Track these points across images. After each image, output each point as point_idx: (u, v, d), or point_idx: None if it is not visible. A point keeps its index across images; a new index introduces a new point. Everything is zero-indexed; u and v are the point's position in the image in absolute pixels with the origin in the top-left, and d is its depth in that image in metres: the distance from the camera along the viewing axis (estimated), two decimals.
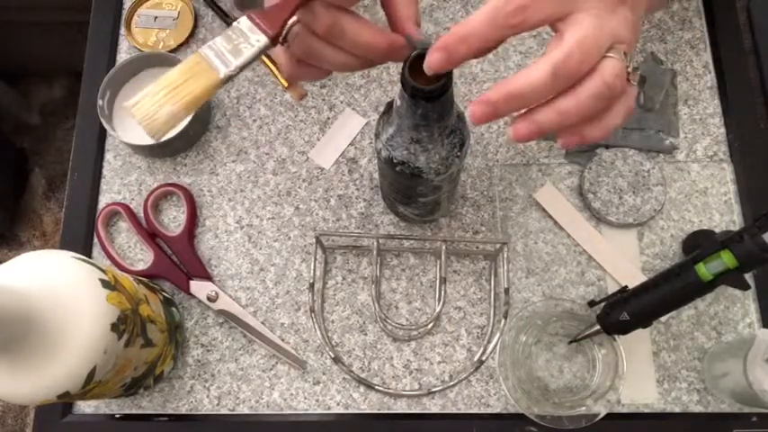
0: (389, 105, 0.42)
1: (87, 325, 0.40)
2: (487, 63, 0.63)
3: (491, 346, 0.55)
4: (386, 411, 0.54)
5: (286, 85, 0.63)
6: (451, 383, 0.54)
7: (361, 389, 0.55)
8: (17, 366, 0.38)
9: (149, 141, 0.58)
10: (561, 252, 0.57)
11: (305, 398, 0.55)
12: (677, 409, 0.53)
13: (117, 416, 0.55)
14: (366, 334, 0.56)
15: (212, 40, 0.35)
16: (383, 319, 0.56)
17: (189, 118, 0.58)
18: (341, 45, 0.36)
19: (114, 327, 0.42)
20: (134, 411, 0.55)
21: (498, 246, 0.55)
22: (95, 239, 0.59)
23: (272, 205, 0.60)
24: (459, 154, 0.44)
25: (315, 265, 0.56)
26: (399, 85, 0.36)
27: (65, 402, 0.51)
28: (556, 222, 0.58)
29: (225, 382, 0.55)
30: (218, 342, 0.56)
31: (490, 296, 0.56)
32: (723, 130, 0.61)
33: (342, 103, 0.63)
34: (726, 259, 0.42)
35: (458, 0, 0.66)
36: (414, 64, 0.35)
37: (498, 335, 0.55)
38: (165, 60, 0.62)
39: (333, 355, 0.55)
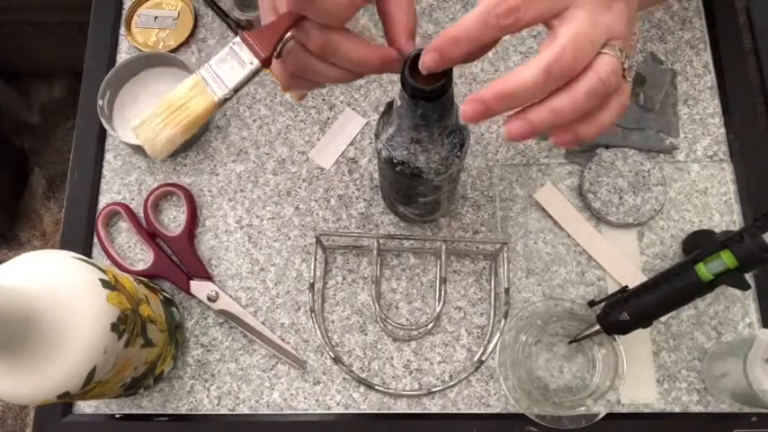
0: (389, 105, 0.42)
1: (87, 325, 0.40)
2: (487, 63, 0.63)
3: (491, 346, 0.55)
4: (386, 411, 0.54)
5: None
6: (451, 383, 0.54)
7: (362, 389, 0.55)
8: (17, 366, 0.38)
9: None
10: (561, 252, 0.57)
11: (305, 398, 0.55)
12: (677, 409, 0.53)
13: (117, 416, 0.55)
14: (366, 334, 0.56)
15: (209, 60, 0.35)
16: (383, 319, 0.56)
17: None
18: (334, 62, 0.36)
19: (114, 327, 0.42)
20: (134, 411, 0.55)
21: (498, 246, 0.55)
22: (95, 239, 0.59)
23: (273, 205, 0.60)
24: (459, 154, 0.44)
25: (315, 265, 0.56)
26: (399, 85, 0.36)
27: (65, 402, 0.50)
28: (556, 222, 0.58)
29: (225, 382, 0.55)
30: (218, 342, 0.56)
31: (490, 296, 0.56)
32: (723, 130, 0.61)
33: (342, 103, 0.63)
34: (726, 259, 0.42)
35: (458, 0, 0.66)
36: (414, 64, 0.35)
37: (498, 335, 0.55)
38: (165, 60, 0.62)
39: (333, 355, 0.55)
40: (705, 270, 0.43)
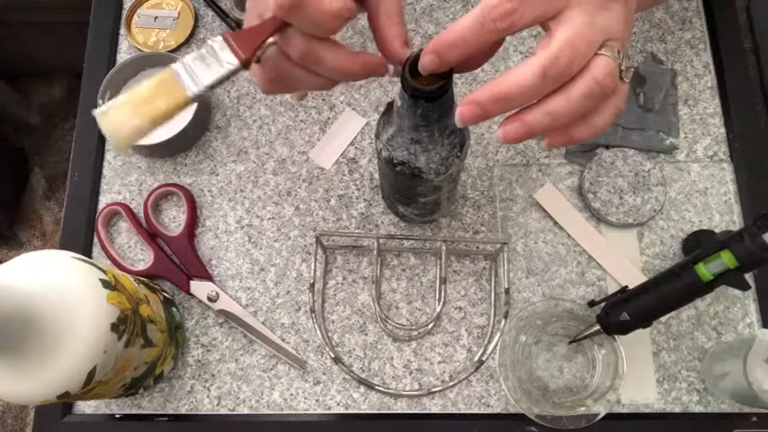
0: (390, 106, 0.42)
1: (87, 325, 0.40)
2: (488, 63, 0.63)
3: (491, 346, 0.55)
4: (386, 411, 0.54)
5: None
6: (452, 383, 0.54)
7: (362, 389, 0.55)
8: (17, 366, 0.38)
9: (149, 141, 0.58)
10: (561, 252, 0.57)
11: (305, 398, 0.55)
12: (677, 409, 0.53)
13: (117, 416, 0.55)
14: (366, 334, 0.56)
15: (186, 56, 0.35)
16: (383, 319, 0.56)
17: (189, 119, 0.58)
18: (315, 70, 0.36)
19: (114, 327, 0.42)
20: (134, 411, 0.55)
21: (498, 246, 0.55)
22: (95, 239, 0.59)
23: (273, 205, 0.60)
24: (459, 154, 0.44)
25: (315, 266, 0.56)
26: (399, 85, 0.36)
27: (65, 402, 0.50)
28: (556, 222, 0.58)
29: (225, 382, 0.55)
30: (218, 342, 0.56)
31: (490, 296, 0.56)
32: (723, 130, 0.61)
33: (342, 103, 0.63)
34: (726, 259, 0.42)
35: (458, 0, 0.66)
36: (414, 65, 0.35)
37: (498, 335, 0.55)
38: (165, 60, 0.62)
39: (333, 356, 0.55)
40: (705, 270, 0.43)
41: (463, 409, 0.54)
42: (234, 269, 0.58)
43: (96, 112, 0.34)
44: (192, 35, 0.65)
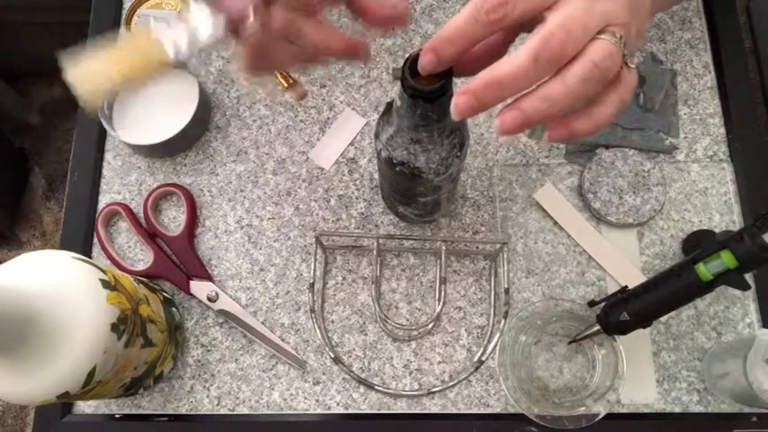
0: (389, 105, 0.42)
1: (87, 325, 0.40)
2: None
3: (491, 346, 0.55)
4: (386, 411, 0.54)
5: (286, 85, 0.63)
6: (451, 383, 0.54)
7: (361, 389, 0.55)
8: (17, 366, 0.38)
9: (149, 141, 0.58)
10: (561, 252, 0.57)
11: (305, 398, 0.55)
12: (677, 409, 0.53)
13: (117, 416, 0.55)
14: (366, 334, 0.56)
15: (169, 21, 0.34)
16: (383, 319, 0.56)
17: (189, 119, 0.58)
18: (296, 43, 0.36)
19: (114, 327, 0.42)
20: (134, 411, 0.55)
21: (498, 246, 0.55)
22: (95, 239, 0.59)
23: (272, 205, 0.60)
24: (459, 154, 0.44)
25: (315, 266, 0.56)
26: (399, 85, 0.36)
27: (65, 402, 0.50)
28: (556, 222, 0.58)
29: (225, 382, 0.55)
30: (218, 342, 0.56)
31: (490, 296, 0.56)
32: (723, 130, 0.61)
33: (342, 103, 0.63)
34: (726, 259, 0.42)
35: (458, 0, 0.66)
36: (413, 64, 0.35)
37: (498, 335, 0.55)
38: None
39: (333, 356, 0.55)
40: (705, 270, 0.43)
41: (463, 409, 0.54)
42: (234, 269, 0.58)
43: (68, 65, 0.33)
44: None
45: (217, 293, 0.57)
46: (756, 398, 0.46)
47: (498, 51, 0.35)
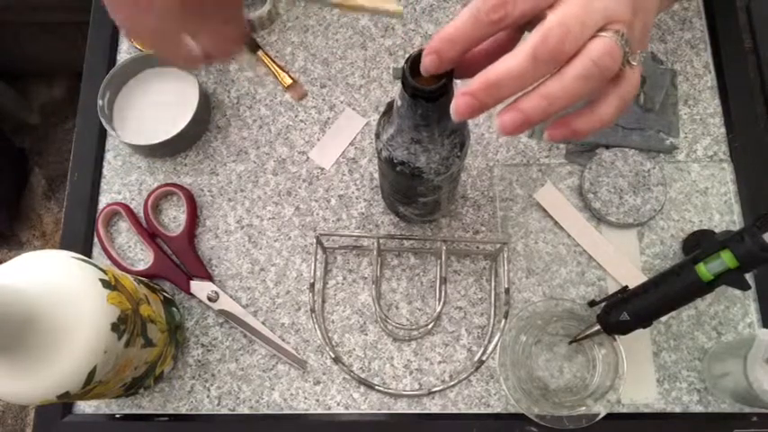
0: (390, 105, 0.42)
1: (87, 325, 0.40)
2: None
3: (491, 346, 0.55)
4: (386, 411, 0.54)
5: (286, 85, 0.63)
6: (452, 383, 0.54)
7: (362, 389, 0.55)
8: (17, 366, 0.38)
9: (149, 141, 0.58)
10: (561, 252, 0.57)
11: (305, 398, 0.55)
12: (677, 409, 0.53)
13: (117, 416, 0.55)
14: (366, 334, 0.56)
15: None
16: (383, 319, 0.56)
17: (189, 119, 0.58)
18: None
19: (114, 327, 0.42)
20: (134, 411, 0.55)
21: (498, 246, 0.55)
22: (95, 239, 0.59)
23: (273, 205, 0.60)
24: (459, 154, 0.44)
25: (315, 266, 0.56)
26: (400, 85, 0.36)
27: (65, 402, 0.50)
28: (556, 222, 0.58)
29: (225, 382, 0.55)
30: (218, 342, 0.56)
31: (490, 296, 0.56)
32: (723, 130, 0.61)
33: (342, 103, 0.63)
34: (726, 259, 0.42)
35: (458, 0, 0.66)
36: (414, 64, 0.35)
37: (498, 335, 0.55)
38: (164, 60, 0.62)
39: (333, 355, 0.55)
40: (705, 270, 0.43)
41: (463, 409, 0.54)
42: (234, 269, 0.58)
43: None
44: None
45: (217, 293, 0.57)
46: (756, 398, 0.46)
47: (503, 51, 0.35)
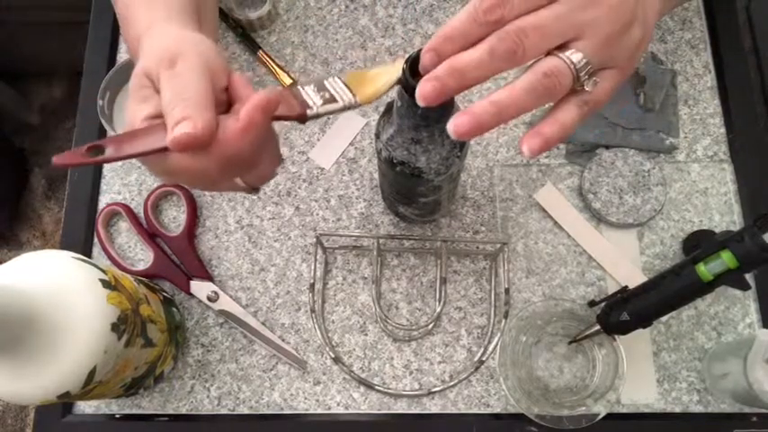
0: (390, 106, 0.42)
1: (87, 325, 0.40)
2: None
3: (491, 346, 0.55)
4: (386, 411, 0.54)
5: (286, 85, 0.63)
6: (452, 383, 0.54)
7: (362, 389, 0.55)
8: (17, 366, 0.38)
9: None
10: (561, 252, 0.57)
11: (305, 398, 0.55)
12: (677, 409, 0.53)
13: (117, 416, 0.55)
14: (366, 334, 0.56)
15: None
16: (383, 319, 0.56)
17: None
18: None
19: (114, 327, 0.42)
20: (134, 411, 0.55)
21: (498, 246, 0.55)
22: (95, 239, 0.59)
23: (273, 205, 0.60)
24: (459, 154, 0.44)
25: (315, 266, 0.56)
26: (399, 85, 0.36)
27: (65, 402, 0.50)
28: (556, 223, 0.58)
29: (225, 382, 0.55)
30: (218, 342, 0.56)
31: (490, 296, 0.56)
32: (723, 130, 0.61)
33: None
34: (726, 259, 0.42)
35: (458, 0, 0.66)
36: (414, 64, 0.35)
37: (498, 335, 0.55)
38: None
39: (333, 356, 0.55)
40: (705, 270, 0.43)
41: (463, 409, 0.54)
42: (234, 269, 0.58)
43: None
44: None
45: (217, 293, 0.57)
46: (756, 398, 0.46)
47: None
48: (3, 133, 1.34)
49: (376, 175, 0.60)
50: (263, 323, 0.56)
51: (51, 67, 1.39)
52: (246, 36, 0.64)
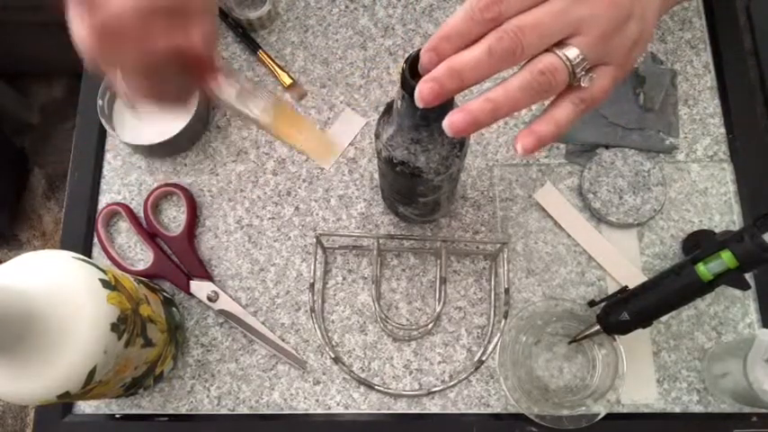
0: (389, 105, 0.42)
1: (87, 325, 0.40)
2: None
3: (491, 346, 0.55)
4: (386, 411, 0.54)
5: (286, 85, 0.63)
6: (451, 383, 0.54)
7: (362, 389, 0.55)
8: (17, 366, 0.38)
9: (149, 141, 0.58)
10: (561, 252, 0.57)
11: (305, 398, 0.55)
12: (677, 409, 0.53)
13: (117, 416, 0.55)
14: (366, 334, 0.56)
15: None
16: (383, 319, 0.56)
17: (189, 118, 0.58)
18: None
19: (114, 327, 0.42)
20: (134, 411, 0.55)
21: (498, 246, 0.55)
22: (95, 239, 0.59)
23: (272, 205, 0.60)
24: (459, 154, 0.44)
25: (315, 266, 0.56)
26: (399, 85, 0.36)
27: (65, 402, 0.50)
28: (556, 222, 0.58)
29: (225, 382, 0.55)
30: (218, 342, 0.56)
31: (490, 296, 0.56)
32: (723, 130, 0.61)
33: (342, 103, 0.63)
34: (726, 259, 0.42)
35: (458, 0, 0.66)
36: (413, 64, 0.35)
37: (498, 335, 0.55)
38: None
39: (333, 355, 0.55)
40: (705, 270, 0.43)
41: (463, 409, 0.54)
42: (234, 269, 0.58)
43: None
44: None
45: (217, 293, 0.57)
46: (756, 398, 0.46)
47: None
48: (3, 133, 1.34)
49: (376, 175, 0.60)
50: (263, 323, 0.56)
51: (51, 67, 1.39)
52: (246, 36, 0.64)
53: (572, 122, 0.34)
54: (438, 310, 0.54)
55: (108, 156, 0.62)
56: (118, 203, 0.59)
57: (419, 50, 0.34)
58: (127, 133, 0.60)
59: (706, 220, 0.58)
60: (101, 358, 0.41)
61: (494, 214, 0.59)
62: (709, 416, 0.53)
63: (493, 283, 0.57)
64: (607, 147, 0.59)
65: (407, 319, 0.56)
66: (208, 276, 0.57)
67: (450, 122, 0.33)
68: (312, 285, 0.56)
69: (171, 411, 0.55)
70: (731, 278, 0.42)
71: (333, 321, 0.56)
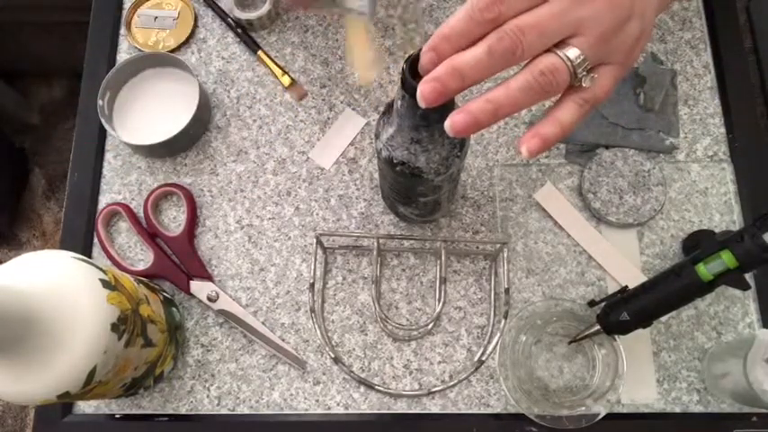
0: (389, 105, 0.42)
1: (87, 325, 0.40)
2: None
3: (491, 346, 0.55)
4: (386, 411, 0.54)
5: (286, 85, 0.63)
6: (451, 383, 0.54)
7: (362, 389, 0.55)
8: (17, 366, 0.38)
9: (149, 141, 0.58)
10: (561, 252, 0.57)
11: (305, 398, 0.55)
12: (677, 409, 0.53)
13: (117, 416, 0.55)
14: (366, 334, 0.56)
15: None
16: (383, 319, 0.56)
17: (189, 119, 0.58)
18: None
19: (114, 327, 0.42)
20: (134, 411, 0.55)
21: (498, 246, 0.55)
22: (95, 239, 0.59)
23: (273, 205, 0.60)
24: (459, 154, 0.44)
25: (315, 266, 0.56)
26: (399, 85, 0.36)
27: (65, 402, 0.50)
28: (556, 222, 0.58)
29: (225, 382, 0.55)
30: (218, 342, 0.56)
31: (490, 296, 0.56)
32: (723, 130, 0.61)
33: (342, 103, 0.63)
34: (726, 259, 0.42)
35: (458, 0, 0.66)
36: (414, 64, 0.35)
37: (498, 335, 0.55)
38: (164, 60, 0.62)
39: (333, 356, 0.55)
40: (705, 270, 0.43)
41: (463, 409, 0.54)
42: (234, 269, 0.58)
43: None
44: (191, 35, 0.65)
45: (217, 293, 0.57)
46: (756, 398, 0.46)
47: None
48: (3, 133, 1.34)
49: (376, 175, 0.60)
50: (262, 323, 0.56)
51: (51, 67, 1.39)
52: (246, 36, 0.64)
53: (576, 123, 0.34)
54: (438, 310, 0.54)
55: (108, 156, 0.62)
56: (118, 203, 0.59)
57: (419, 50, 0.34)
58: (127, 133, 0.60)
59: (706, 220, 0.58)
60: (101, 358, 0.41)
61: (494, 214, 0.59)
62: (710, 416, 0.53)
63: (493, 283, 0.57)
64: (607, 147, 0.59)
65: (407, 319, 0.56)
66: (208, 276, 0.57)
67: (451, 123, 0.33)
68: (312, 285, 0.56)
69: (171, 411, 0.55)
70: (731, 278, 0.42)
71: (333, 321, 0.56)
